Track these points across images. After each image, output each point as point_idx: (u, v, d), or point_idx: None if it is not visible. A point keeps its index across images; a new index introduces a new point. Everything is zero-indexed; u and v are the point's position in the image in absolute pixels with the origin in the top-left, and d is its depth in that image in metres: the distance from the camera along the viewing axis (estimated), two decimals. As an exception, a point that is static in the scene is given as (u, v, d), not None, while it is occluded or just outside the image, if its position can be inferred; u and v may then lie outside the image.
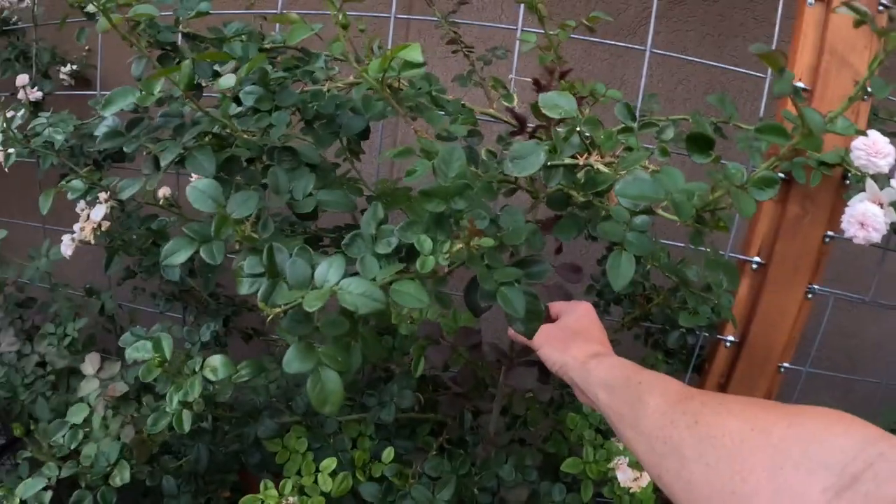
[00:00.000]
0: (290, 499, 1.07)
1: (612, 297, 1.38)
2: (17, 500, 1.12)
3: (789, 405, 0.58)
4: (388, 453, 1.17)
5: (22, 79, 1.53)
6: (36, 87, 1.56)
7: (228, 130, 0.96)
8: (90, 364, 1.19)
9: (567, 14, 1.54)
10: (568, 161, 0.82)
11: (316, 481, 1.13)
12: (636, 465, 1.21)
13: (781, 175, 1.35)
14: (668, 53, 1.42)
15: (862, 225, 1.25)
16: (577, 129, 0.85)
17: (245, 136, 0.98)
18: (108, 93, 0.91)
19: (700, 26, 1.63)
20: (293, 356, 0.75)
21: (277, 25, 1.39)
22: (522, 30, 1.30)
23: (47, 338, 1.39)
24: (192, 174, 0.96)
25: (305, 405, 1.22)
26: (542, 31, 1.07)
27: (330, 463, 1.14)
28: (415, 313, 1.23)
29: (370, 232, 0.84)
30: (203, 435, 1.20)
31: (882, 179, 1.27)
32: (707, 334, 1.39)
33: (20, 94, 1.53)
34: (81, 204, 1.27)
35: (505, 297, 0.75)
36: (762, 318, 1.39)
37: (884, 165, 1.26)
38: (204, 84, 1.09)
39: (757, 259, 1.39)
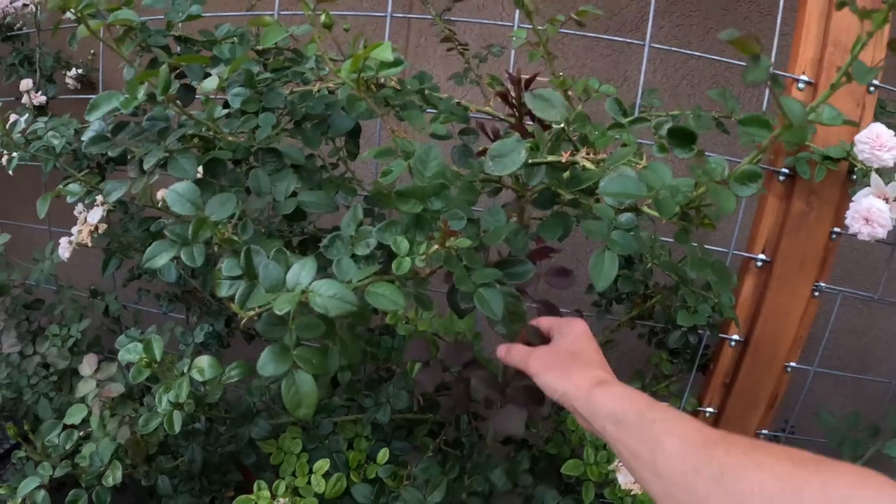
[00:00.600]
0: (282, 500, 1.07)
1: (613, 296, 1.37)
2: (19, 500, 1.13)
3: (820, 458, 0.56)
4: (383, 454, 1.16)
5: (26, 83, 1.55)
6: (40, 92, 1.57)
7: (212, 133, 0.96)
8: (87, 365, 1.20)
9: (567, 10, 1.52)
10: (551, 159, 0.81)
11: (310, 482, 1.13)
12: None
13: (785, 170, 1.33)
14: (667, 48, 1.40)
15: (866, 221, 1.23)
16: (564, 126, 0.83)
17: (230, 138, 0.98)
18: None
19: (704, 20, 1.61)
20: (268, 358, 0.75)
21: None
22: (519, 26, 1.29)
23: (50, 339, 1.41)
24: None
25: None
26: (537, 28, 1.06)
27: (323, 464, 1.13)
28: (410, 313, 1.22)
29: (349, 233, 0.83)
30: (197, 436, 1.20)
31: (888, 174, 1.24)
32: (710, 333, 1.37)
33: (24, 99, 1.54)
34: (80, 207, 1.28)
35: (482, 298, 0.74)
36: (767, 317, 1.37)
37: (888, 159, 1.23)
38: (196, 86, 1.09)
39: (762, 256, 1.36)
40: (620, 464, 1.19)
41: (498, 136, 0.96)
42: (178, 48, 1.21)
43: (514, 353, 0.88)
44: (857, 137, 1.25)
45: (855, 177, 1.31)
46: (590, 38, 1.60)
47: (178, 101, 0.95)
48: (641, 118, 1.00)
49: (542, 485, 1.15)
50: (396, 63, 0.83)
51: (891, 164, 1.23)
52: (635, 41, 1.35)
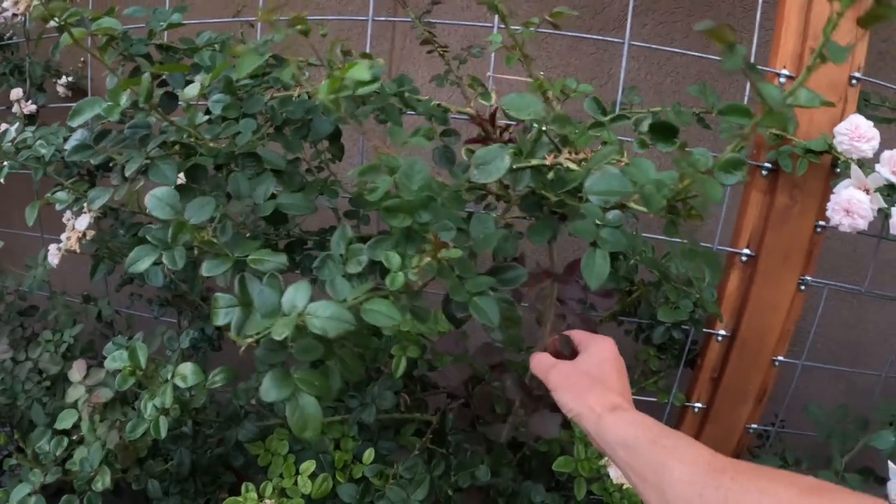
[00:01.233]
0: (269, 501, 1.08)
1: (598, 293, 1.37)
2: (13, 505, 1.15)
3: (826, 485, 0.57)
4: (369, 454, 1.18)
5: (16, 93, 1.57)
6: (30, 101, 1.59)
7: (194, 139, 0.97)
8: (77, 371, 1.21)
9: (550, 9, 1.52)
10: (535, 162, 0.81)
11: (296, 483, 1.14)
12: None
13: (768, 164, 1.34)
14: (647, 45, 1.41)
15: (847, 212, 1.23)
16: (544, 128, 0.84)
17: (211, 144, 0.99)
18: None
19: (687, 17, 1.61)
20: (270, 384, 0.74)
21: (259, 32, 1.40)
22: (499, 28, 1.30)
23: (43, 344, 1.42)
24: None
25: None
26: (511, 29, 1.06)
27: (309, 465, 1.14)
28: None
29: (340, 252, 0.83)
30: (184, 439, 1.21)
31: (867, 165, 1.25)
32: (694, 329, 1.38)
33: (15, 108, 1.56)
34: (68, 214, 1.29)
35: (478, 307, 0.75)
36: (753, 312, 1.38)
37: (867, 150, 1.23)
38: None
39: (746, 251, 1.37)
40: None
41: (481, 123, 0.97)
42: (161, 56, 1.22)
43: (537, 363, 0.89)
44: (837, 129, 1.26)
45: (838, 169, 1.31)
46: (573, 38, 1.61)
47: (159, 109, 0.96)
48: (621, 116, 1.01)
49: (528, 481, 1.16)
50: (373, 81, 0.83)
51: (870, 154, 1.24)
52: (617, 40, 1.35)
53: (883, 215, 1.23)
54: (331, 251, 0.81)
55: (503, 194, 0.88)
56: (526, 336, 1.32)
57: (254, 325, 0.73)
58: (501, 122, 1.10)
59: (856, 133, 1.24)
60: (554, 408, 0.98)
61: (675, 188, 0.72)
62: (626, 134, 1.03)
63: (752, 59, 1.35)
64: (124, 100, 0.92)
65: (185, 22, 1.42)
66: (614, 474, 1.18)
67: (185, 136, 0.96)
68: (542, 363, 0.88)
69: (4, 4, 1.57)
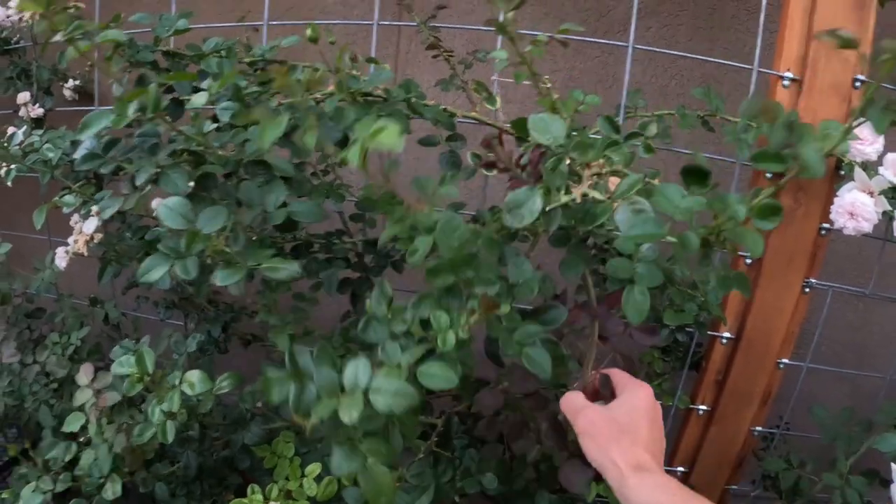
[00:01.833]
0: (274, 503, 1.09)
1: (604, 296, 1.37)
2: (21, 503, 1.16)
3: None
4: (375, 457, 1.18)
5: (23, 96, 1.58)
6: (37, 104, 1.59)
7: (202, 148, 0.98)
8: (84, 374, 1.22)
9: (555, 12, 1.53)
10: (565, 199, 0.80)
11: (302, 486, 1.15)
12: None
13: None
14: (650, 48, 1.41)
15: (851, 215, 1.23)
16: (565, 159, 0.83)
17: (220, 152, 1.00)
18: (106, 108, 0.94)
19: (692, 20, 1.61)
20: (340, 459, 0.74)
21: (265, 37, 1.40)
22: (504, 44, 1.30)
23: (50, 347, 1.43)
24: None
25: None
26: (519, 49, 1.06)
27: (315, 468, 1.15)
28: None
29: (381, 312, 0.82)
30: (191, 443, 1.22)
31: (871, 168, 1.25)
32: (698, 332, 1.38)
33: (22, 111, 1.57)
34: (76, 217, 1.30)
35: (530, 358, 0.75)
36: (758, 314, 1.38)
37: (871, 153, 1.23)
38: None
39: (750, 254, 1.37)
40: None
41: (489, 145, 0.96)
42: (167, 63, 1.23)
43: (568, 403, 0.85)
44: (840, 132, 1.26)
45: (843, 172, 1.31)
46: (578, 42, 1.61)
47: (167, 117, 0.97)
48: (635, 133, 1.01)
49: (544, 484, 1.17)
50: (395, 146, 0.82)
51: (874, 157, 1.24)
52: (621, 43, 1.35)
53: (887, 218, 1.23)
54: (373, 312, 0.80)
55: (531, 230, 0.87)
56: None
57: (319, 408, 0.70)
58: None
59: (860, 136, 1.24)
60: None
61: (709, 228, 0.72)
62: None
63: (756, 63, 1.35)
64: (132, 111, 0.92)
65: (190, 27, 1.43)
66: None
67: (193, 144, 0.97)
68: (572, 403, 0.85)
69: (10, 10, 1.58)
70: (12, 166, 1.33)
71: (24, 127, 1.38)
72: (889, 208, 1.22)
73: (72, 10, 1.43)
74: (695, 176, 0.73)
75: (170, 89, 1.21)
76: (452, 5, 1.39)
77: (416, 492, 1.09)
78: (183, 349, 1.20)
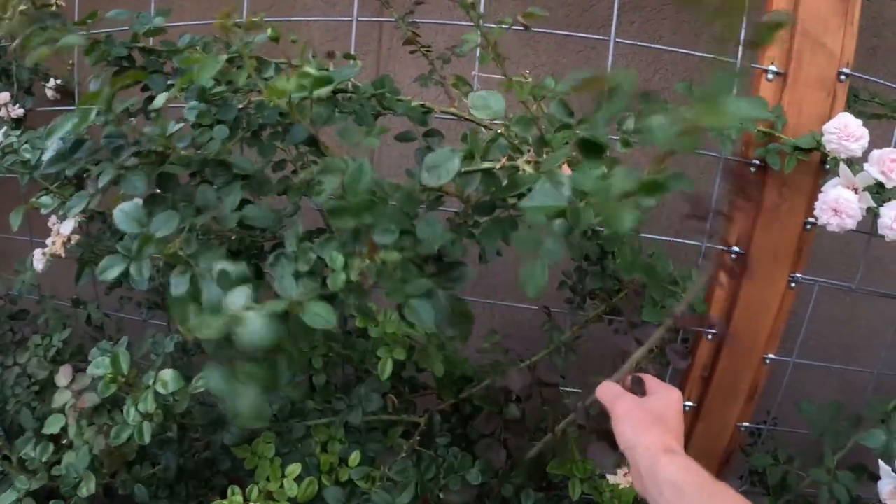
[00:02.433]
0: (253, 505, 1.08)
1: (585, 293, 1.37)
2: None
3: None
4: (355, 457, 1.17)
5: (3, 96, 1.57)
6: (17, 104, 1.58)
7: (164, 148, 0.97)
8: (63, 376, 1.21)
9: (539, 5, 1.51)
10: (486, 165, 0.81)
11: (282, 486, 1.14)
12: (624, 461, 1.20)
13: (756, 161, 1.33)
14: (634, 43, 1.40)
15: (835, 211, 1.22)
16: (500, 130, 0.84)
17: (182, 152, 0.98)
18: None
19: (675, 14, 1.60)
20: (216, 377, 0.74)
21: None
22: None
23: (31, 349, 1.42)
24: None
25: (273, 411, 1.23)
26: (482, 28, 1.06)
27: (295, 468, 1.14)
28: (380, 316, 1.22)
29: (292, 249, 0.83)
30: (170, 444, 1.21)
31: (856, 163, 1.24)
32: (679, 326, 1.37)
33: (2, 112, 1.56)
34: (53, 218, 1.29)
35: (412, 308, 0.75)
36: (743, 310, 1.37)
37: (856, 149, 1.22)
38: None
39: (735, 249, 1.36)
40: None
41: None
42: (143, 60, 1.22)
43: (605, 391, 0.92)
44: (825, 127, 1.25)
45: (827, 166, 1.30)
46: (561, 36, 1.60)
47: (133, 117, 0.96)
48: (587, 119, 1.00)
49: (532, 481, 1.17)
50: (328, 80, 0.83)
51: (859, 153, 1.23)
52: (603, 37, 1.34)
53: (872, 214, 1.23)
54: (284, 248, 0.81)
55: (462, 196, 0.87)
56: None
57: (196, 324, 0.72)
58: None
59: (845, 132, 1.23)
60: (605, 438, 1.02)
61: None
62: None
63: (740, 57, 1.34)
64: (93, 115, 0.92)
65: (172, 24, 1.41)
66: (610, 476, 1.18)
67: (156, 145, 0.96)
68: (610, 391, 0.92)
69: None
70: (-8, 167, 1.32)
71: (4, 128, 1.37)
72: (873, 204, 1.21)
73: (53, 8, 1.43)
74: (590, 149, 0.71)
75: (146, 87, 1.20)
76: (433, 2, 1.38)
77: (397, 489, 1.09)
78: (161, 349, 1.19)
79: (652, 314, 1.15)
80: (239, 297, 0.73)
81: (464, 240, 0.88)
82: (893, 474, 1.20)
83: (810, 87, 1.31)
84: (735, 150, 1.33)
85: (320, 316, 0.73)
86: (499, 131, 0.85)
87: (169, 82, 1.15)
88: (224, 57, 0.83)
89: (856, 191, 1.22)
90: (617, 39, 1.34)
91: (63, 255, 1.25)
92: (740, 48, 1.34)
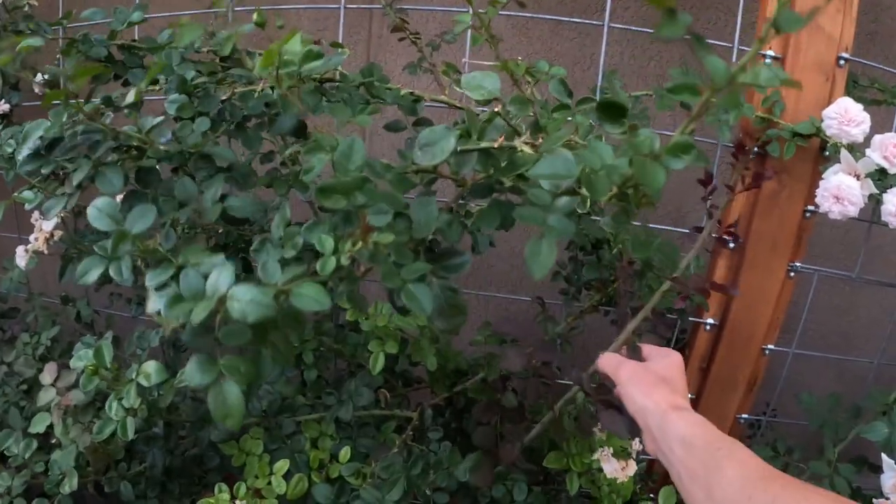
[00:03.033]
0: (240, 502, 1.06)
1: (581, 283, 1.34)
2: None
3: None
4: (345, 453, 1.15)
5: (-11, 92, 1.54)
6: (3, 100, 1.56)
7: (141, 143, 0.94)
8: (48, 374, 1.19)
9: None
10: (484, 145, 0.79)
11: (271, 483, 1.12)
12: (622, 452, 1.18)
13: (755, 148, 1.30)
14: (627, 27, 1.37)
15: (837, 199, 1.20)
16: (497, 109, 0.81)
17: (162, 147, 0.96)
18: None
19: (671, -1, 1.57)
20: (194, 368, 0.72)
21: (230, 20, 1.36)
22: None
23: (19, 347, 1.40)
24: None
25: (262, 406, 1.21)
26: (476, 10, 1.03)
27: (283, 465, 1.12)
28: (371, 309, 1.20)
29: (279, 235, 0.81)
30: (156, 440, 1.19)
31: (857, 149, 1.21)
32: (679, 318, 1.34)
33: (-12, 108, 1.54)
34: (36, 214, 1.27)
35: (410, 294, 0.72)
36: (742, 300, 1.35)
37: (857, 134, 1.20)
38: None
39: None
40: (604, 452, 1.17)
41: None
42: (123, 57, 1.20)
43: (607, 361, 0.96)
44: (825, 112, 1.22)
45: (827, 153, 1.28)
46: (554, 22, 1.57)
47: (105, 114, 0.94)
48: (588, 98, 0.98)
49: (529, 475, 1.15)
50: (317, 56, 0.80)
51: (860, 139, 1.20)
52: (597, 22, 1.32)
53: (874, 201, 1.20)
54: (270, 234, 0.79)
55: (457, 178, 0.84)
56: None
57: (179, 307, 0.70)
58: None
59: (845, 117, 1.20)
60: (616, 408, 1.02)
61: (626, 173, 0.68)
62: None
63: (737, 42, 1.32)
64: (65, 116, 0.90)
65: (156, 16, 1.39)
66: (608, 468, 1.15)
67: (135, 140, 0.93)
68: (612, 360, 0.95)
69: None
70: (-24, 164, 1.30)
71: (-9, 124, 1.35)
72: (876, 191, 1.19)
73: (25, 9, 1.41)
74: (610, 112, 0.69)
75: (127, 82, 1.18)
76: (423, -12, 1.36)
77: (386, 486, 1.06)
78: (146, 344, 1.17)
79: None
80: (224, 278, 0.71)
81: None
82: (896, 467, 1.18)
83: (809, 72, 1.29)
84: (733, 136, 1.31)
85: (311, 297, 0.70)
86: (496, 110, 0.82)
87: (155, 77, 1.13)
88: (202, 27, 0.80)
89: (857, 177, 1.19)
90: (611, 25, 1.31)
91: (46, 251, 1.23)
92: (737, 32, 1.31)
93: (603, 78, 1.31)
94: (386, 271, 0.72)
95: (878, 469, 1.16)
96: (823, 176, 1.21)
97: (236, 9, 1.37)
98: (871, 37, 1.63)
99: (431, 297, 0.71)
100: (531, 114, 0.93)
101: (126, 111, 0.92)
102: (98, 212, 0.80)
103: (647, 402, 0.84)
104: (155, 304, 0.78)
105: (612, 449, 1.16)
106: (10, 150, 1.24)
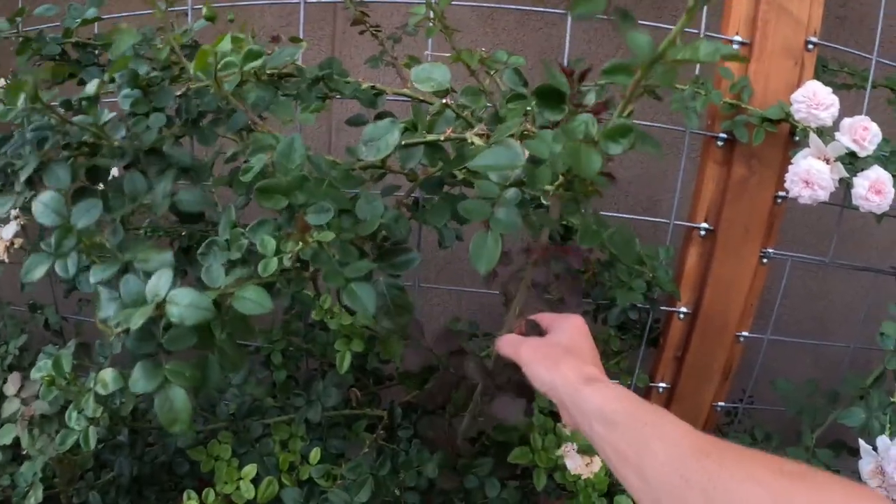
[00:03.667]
0: (208, 509, 1.04)
1: (550, 275, 1.32)
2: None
3: (813, 472, 0.55)
4: (315, 454, 1.13)
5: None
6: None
7: (97, 139, 0.92)
8: (12, 384, 1.17)
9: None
10: (430, 138, 0.77)
11: (239, 489, 1.10)
12: (587, 449, 1.16)
13: (723, 135, 1.29)
14: (594, 17, 1.35)
15: (807, 183, 1.19)
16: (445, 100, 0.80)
17: (116, 143, 0.94)
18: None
19: (637, -14, 1.56)
20: (139, 375, 0.72)
21: (189, 19, 1.34)
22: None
23: (-16, 358, 1.38)
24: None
25: (230, 410, 1.19)
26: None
27: (251, 469, 1.10)
28: (335, 308, 1.18)
29: (225, 237, 0.79)
30: (122, 448, 1.17)
31: (828, 133, 1.20)
32: (651, 308, 1.33)
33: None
34: (-5, 222, 1.25)
35: (353, 293, 0.70)
36: (714, 287, 1.34)
37: (826, 118, 1.19)
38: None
39: (704, 225, 1.33)
40: (567, 448, 1.16)
41: None
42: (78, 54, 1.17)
43: (505, 343, 0.87)
44: (794, 97, 1.21)
45: (797, 138, 1.26)
46: (520, 13, 1.55)
47: (58, 108, 0.91)
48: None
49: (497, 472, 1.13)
50: (258, 55, 0.78)
51: (829, 122, 1.19)
52: (559, 11, 1.30)
53: (845, 185, 1.19)
54: (217, 236, 0.77)
55: (408, 173, 0.83)
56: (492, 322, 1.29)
57: (117, 315, 0.69)
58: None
59: (814, 100, 1.19)
60: (519, 392, 0.97)
61: (567, 164, 0.66)
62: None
63: (703, 27, 1.30)
64: (20, 103, 0.88)
65: (115, 16, 1.37)
66: (571, 464, 1.14)
67: (88, 135, 0.91)
68: (510, 341, 0.87)
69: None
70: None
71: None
72: (846, 175, 1.18)
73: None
74: (548, 98, 0.67)
75: (83, 81, 1.16)
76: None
77: (354, 487, 1.05)
78: (108, 352, 1.15)
79: (624, 296, 1.12)
80: (164, 281, 0.70)
81: (422, 226, 0.84)
82: (874, 453, 1.17)
83: (777, 57, 1.28)
84: (701, 123, 1.30)
85: (252, 301, 0.70)
86: (444, 102, 0.81)
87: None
88: (141, 31, 0.78)
89: (827, 161, 1.18)
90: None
91: (7, 259, 1.20)
92: (704, 17, 1.30)
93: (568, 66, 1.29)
94: (328, 270, 0.71)
95: (856, 452, 1.15)
96: (793, 161, 1.20)
97: (195, 6, 1.36)
98: (841, 21, 1.62)
99: (374, 296, 0.70)
100: (489, 105, 0.92)
101: (84, 103, 0.89)
102: (44, 207, 0.79)
103: (555, 377, 0.77)
104: (106, 310, 0.77)
105: (576, 445, 1.14)
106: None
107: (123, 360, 1.33)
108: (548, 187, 0.69)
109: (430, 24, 1.00)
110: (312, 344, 1.27)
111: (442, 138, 0.77)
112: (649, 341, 1.41)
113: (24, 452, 1.19)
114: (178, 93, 1.04)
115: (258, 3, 1.53)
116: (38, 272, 0.80)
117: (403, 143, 0.76)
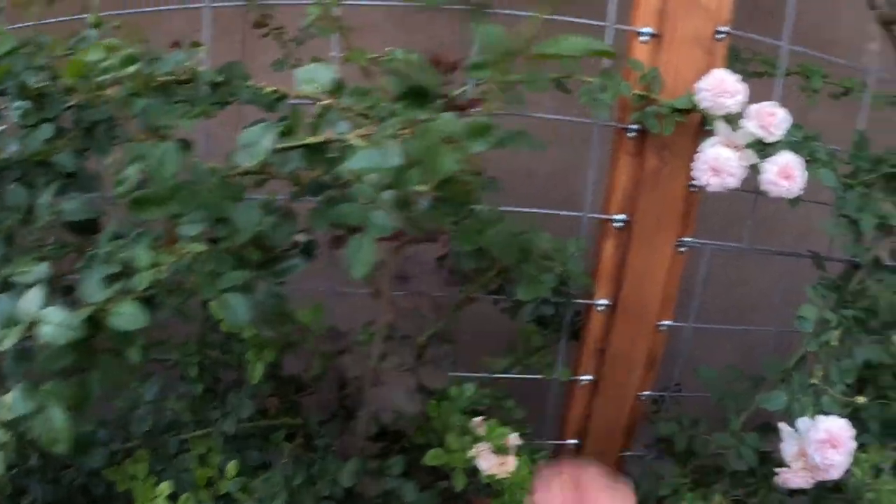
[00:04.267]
0: (122, 530, 1.02)
1: (467, 272, 1.31)
2: None
3: None
4: (232, 467, 1.11)
5: None
6: None
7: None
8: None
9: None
10: (309, 140, 0.76)
11: (155, 508, 1.08)
12: (501, 448, 1.16)
13: (634, 126, 1.30)
14: (513, 13, 1.35)
15: (715, 171, 1.20)
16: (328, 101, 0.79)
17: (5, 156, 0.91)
18: None
19: (553, -19, 1.55)
20: (17, 397, 0.70)
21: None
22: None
23: None
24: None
25: (146, 426, 1.17)
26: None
27: (165, 487, 1.08)
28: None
29: (106, 250, 0.78)
30: (34, 473, 1.14)
31: (734, 121, 1.21)
32: (564, 302, 1.34)
33: None
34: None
35: (225, 303, 0.69)
36: (632, 278, 1.34)
37: (732, 105, 1.20)
38: None
39: (619, 217, 1.33)
40: (481, 449, 1.15)
41: None
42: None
43: None
44: (698, 85, 1.22)
45: (708, 127, 1.27)
46: (432, 10, 1.54)
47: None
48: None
49: (401, 477, 1.12)
50: (133, 59, 0.76)
51: (736, 110, 1.20)
52: (459, 7, 1.29)
53: (756, 171, 1.21)
54: (97, 250, 0.75)
55: (290, 177, 0.82)
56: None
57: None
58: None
59: (720, 88, 1.20)
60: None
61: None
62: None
63: (612, 19, 1.30)
64: None
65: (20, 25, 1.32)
66: (484, 465, 1.14)
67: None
68: None
69: None
70: None
71: None
72: (757, 160, 1.19)
73: None
74: (414, 96, 0.67)
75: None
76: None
77: (266, 500, 1.03)
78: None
79: (528, 291, 1.11)
80: (34, 298, 0.68)
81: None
82: (797, 435, 1.19)
83: (686, 47, 1.28)
84: (612, 115, 1.30)
85: (128, 316, 0.69)
86: (326, 102, 0.80)
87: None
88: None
89: (737, 148, 1.20)
90: (497, 10, 1.28)
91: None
92: (613, 10, 1.30)
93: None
94: (200, 281, 0.69)
95: (784, 434, 1.18)
96: (699, 149, 1.22)
97: (102, 13, 1.32)
98: (753, 11, 1.64)
99: (249, 306, 0.69)
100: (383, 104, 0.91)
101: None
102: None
103: None
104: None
105: (490, 444, 1.14)
106: None
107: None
108: (422, 188, 0.68)
109: (323, 26, 0.98)
110: (230, 355, 1.25)
111: (322, 140, 0.76)
112: (573, 334, 1.41)
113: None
114: (71, 102, 1.02)
115: (163, 9, 1.49)
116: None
117: (280, 146, 0.75)
